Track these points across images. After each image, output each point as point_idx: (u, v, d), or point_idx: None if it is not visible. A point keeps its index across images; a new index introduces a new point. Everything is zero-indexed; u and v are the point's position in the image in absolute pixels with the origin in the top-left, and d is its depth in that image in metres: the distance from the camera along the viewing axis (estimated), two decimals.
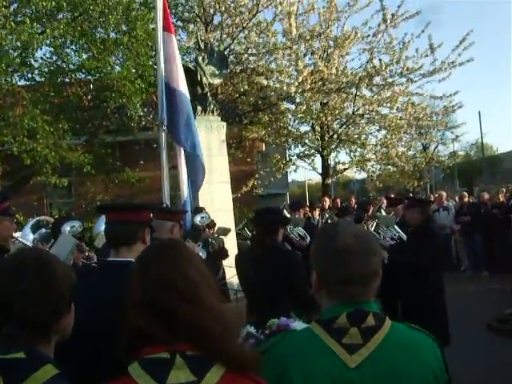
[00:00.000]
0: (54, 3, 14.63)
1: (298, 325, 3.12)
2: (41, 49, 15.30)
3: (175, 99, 10.08)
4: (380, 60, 20.82)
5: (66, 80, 16.99)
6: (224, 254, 9.74)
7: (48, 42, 15.02)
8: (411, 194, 21.75)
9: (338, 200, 18.70)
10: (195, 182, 10.47)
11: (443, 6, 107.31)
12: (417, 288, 6.93)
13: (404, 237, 8.42)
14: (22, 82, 16.60)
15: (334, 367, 2.18)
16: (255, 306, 5.77)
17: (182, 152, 10.31)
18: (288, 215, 11.48)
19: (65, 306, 2.24)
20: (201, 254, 7.54)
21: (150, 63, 16.20)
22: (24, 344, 2.09)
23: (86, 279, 3.70)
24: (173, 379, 1.95)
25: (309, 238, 10.69)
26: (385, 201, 14.07)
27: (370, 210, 11.84)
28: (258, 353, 2.28)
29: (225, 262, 9.62)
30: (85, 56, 16.28)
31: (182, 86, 10.22)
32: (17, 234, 5.12)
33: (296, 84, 18.99)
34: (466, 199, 18.08)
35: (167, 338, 2.00)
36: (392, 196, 16.93)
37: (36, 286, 2.14)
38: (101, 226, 7.09)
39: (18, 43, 14.21)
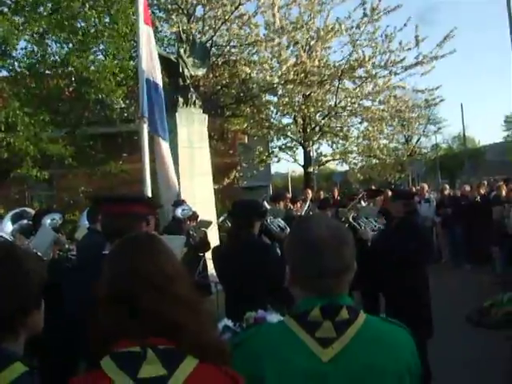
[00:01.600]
0: None
1: (275, 317, 3.13)
2: (21, 41, 15.21)
3: (154, 91, 10.12)
4: (363, 52, 20.85)
5: (47, 72, 16.88)
6: (206, 246, 9.74)
7: (28, 35, 14.91)
8: (393, 187, 21.81)
9: (322, 192, 18.71)
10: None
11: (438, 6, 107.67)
12: (401, 278, 6.94)
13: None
14: (2, 73, 16.52)
15: (307, 361, 2.18)
16: (234, 299, 5.77)
17: (163, 144, 10.30)
18: (268, 207, 11.48)
19: (32, 302, 2.20)
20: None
21: (131, 55, 16.17)
22: None
23: (83, 272, 3.67)
24: (144, 373, 1.95)
25: (288, 230, 10.69)
26: (364, 193, 14.12)
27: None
28: (229, 346, 2.28)
29: (206, 255, 9.61)
30: (66, 48, 16.21)
31: (159, 78, 10.28)
32: None
33: (279, 74, 18.99)
34: (446, 191, 18.16)
35: (139, 332, 2.00)
36: (372, 188, 17.06)
37: (3, 280, 2.11)
38: (85, 219, 7.07)
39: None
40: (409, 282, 6.95)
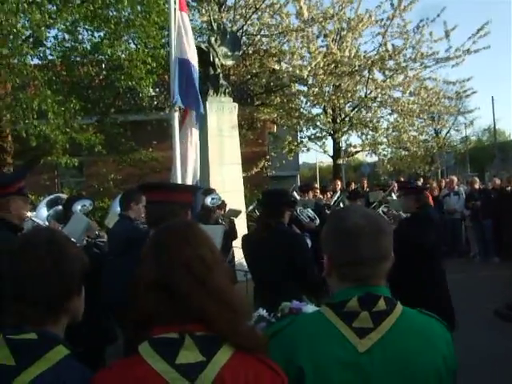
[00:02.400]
0: None
1: (311, 308, 3.13)
2: (53, 29, 15.32)
3: (189, 70, 10.18)
4: (393, 45, 20.73)
5: (78, 59, 16.98)
6: (233, 234, 9.76)
7: (60, 24, 14.99)
8: (422, 179, 21.67)
9: (353, 183, 18.66)
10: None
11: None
12: (420, 271, 6.87)
13: None
14: (34, 61, 16.62)
15: (343, 351, 2.18)
16: (262, 287, 5.79)
17: (194, 131, 10.35)
18: (298, 197, 11.47)
19: (75, 287, 2.24)
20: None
21: (162, 43, 16.20)
22: (34, 323, 2.10)
23: (122, 258, 3.69)
24: (182, 359, 1.97)
25: (318, 220, 10.67)
26: (396, 185, 14.04)
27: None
28: (265, 335, 2.29)
29: (234, 243, 9.64)
30: (97, 35, 16.28)
31: (195, 61, 10.35)
32: (29, 214, 5.13)
33: (309, 68, 18.92)
34: (476, 185, 17.99)
35: (177, 318, 2.01)
36: (403, 180, 16.94)
37: (46, 265, 2.13)
38: (117, 206, 7.11)
39: (30, 25, 14.18)
40: (427, 274, 6.89)
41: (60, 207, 6.72)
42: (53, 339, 2.11)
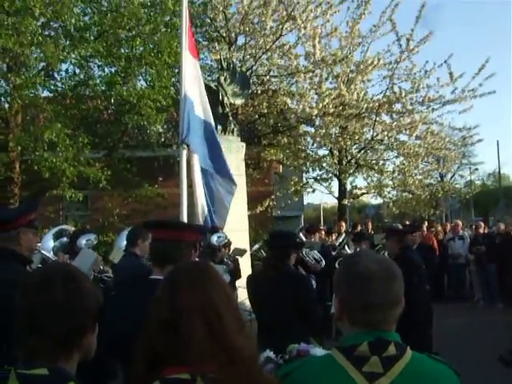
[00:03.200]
0: (82, 21, 14.89)
1: (318, 351, 3.12)
2: (65, 63, 15.52)
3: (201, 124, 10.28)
4: (400, 87, 20.88)
5: (87, 93, 17.15)
6: (237, 273, 9.75)
7: (73, 58, 15.18)
8: (426, 222, 21.66)
9: (359, 225, 18.65)
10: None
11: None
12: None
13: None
14: (45, 93, 16.80)
15: None
16: (266, 328, 5.78)
17: (199, 168, 10.36)
18: (304, 238, 11.48)
19: (90, 323, 2.25)
20: (224, 278, 7.57)
21: (172, 82, 16.35)
22: (46, 358, 2.10)
23: (127, 295, 3.71)
24: None
25: (324, 262, 10.67)
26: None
27: None
28: (276, 378, 2.29)
29: (238, 283, 9.61)
30: (107, 71, 16.48)
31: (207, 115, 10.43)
32: (38, 245, 5.17)
33: (319, 107, 19.04)
34: (481, 229, 17.96)
35: (189, 359, 2.02)
36: (407, 223, 16.96)
37: (62, 300, 2.14)
38: (122, 241, 7.13)
39: (43, 58, 14.38)
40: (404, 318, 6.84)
41: (65, 239, 6.76)
42: (64, 376, 2.11)
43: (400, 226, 15.69)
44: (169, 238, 3.75)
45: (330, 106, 19.36)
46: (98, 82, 16.47)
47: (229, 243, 10.12)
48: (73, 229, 7.52)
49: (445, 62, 20.78)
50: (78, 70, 16.25)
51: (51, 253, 6.21)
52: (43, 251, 5.63)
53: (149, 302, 3.38)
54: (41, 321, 2.13)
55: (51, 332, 2.12)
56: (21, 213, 4.50)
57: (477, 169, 33.37)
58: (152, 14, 16.06)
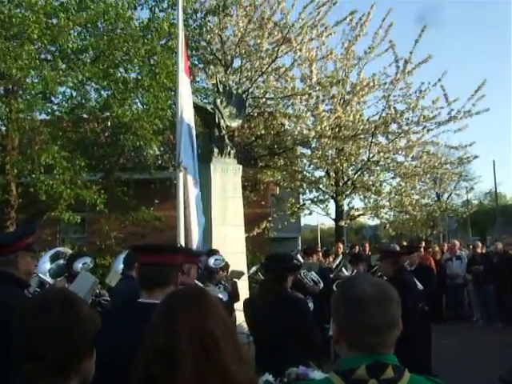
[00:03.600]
0: (78, 44, 14.98)
1: (317, 374, 3.13)
2: (62, 86, 15.59)
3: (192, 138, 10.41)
4: (394, 108, 20.95)
5: (84, 116, 17.21)
6: (235, 297, 9.72)
7: (70, 81, 15.25)
8: (424, 242, 21.68)
9: (357, 247, 18.64)
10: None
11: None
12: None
13: (420, 286, 8.43)
14: (42, 116, 16.86)
15: None
16: (265, 352, 5.77)
17: (192, 192, 10.41)
18: (302, 260, 11.48)
19: (88, 348, 2.24)
20: (221, 296, 7.57)
21: (168, 104, 16.41)
22: (44, 383, 2.10)
23: (115, 318, 3.71)
24: None
25: (322, 284, 10.66)
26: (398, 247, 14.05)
27: None
28: None
29: (236, 305, 9.58)
30: (104, 93, 16.55)
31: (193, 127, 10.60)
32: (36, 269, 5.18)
33: (317, 129, 19.10)
34: (478, 249, 17.97)
35: None
36: (405, 244, 16.95)
37: (60, 325, 2.15)
38: (119, 264, 7.14)
39: (41, 82, 14.44)
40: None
41: (61, 261, 6.76)
42: None
43: (397, 247, 15.70)
44: (154, 262, 3.77)
45: (327, 128, 19.41)
46: (94, 104, 16.54)
47: (227, 266, 10.10)
48: (69, 251, 7.52)
49: (439, 80, 20.89)
50: (74, 93, 16.31)
51: (47, 275, 6.21)
52: (41, 274, 5.62)
53: (135, 325, 3.39)
54: (39, 346, 2.13)
55: (49, 357, 2.12)
56: (19, 237, 4.50)
57: (472, 188, 33.27)
58: (148, 36, 16.15)
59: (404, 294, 7.06)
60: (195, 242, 10.35)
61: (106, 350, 2.45)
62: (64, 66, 15.37)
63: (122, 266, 7.10)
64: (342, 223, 23.30)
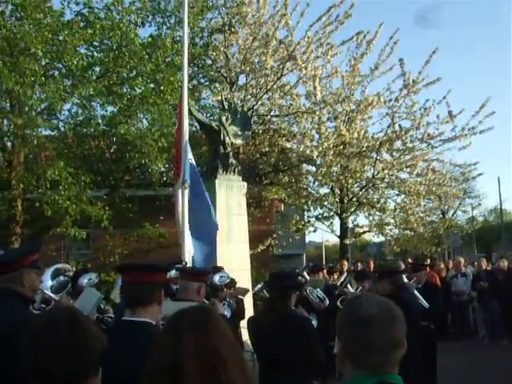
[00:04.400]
0: (84, 61, 15.06)
1: None
2: (67, 103, 15.67)
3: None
4: (400, 126, 20.95)
5: (90, 132, 17.29)
6: (241, 314, 9.71)
7: (75, 98, 15.34)
8: (429, 260, 21.57)
9: (359, 264, 18.59)
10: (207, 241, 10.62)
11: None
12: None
13: (425, 304, 8.42)
14: (47, 132, 16.93)
15: None
16: (268, 370, 5.75)
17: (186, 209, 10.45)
18: (307, 277, 11.46)
19: (93, 367, 2.25)
20: (226, 313, 7.56)
21: (173, 122, 16.48)
22: None
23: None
24: None
25: (327, 301, 10.64)
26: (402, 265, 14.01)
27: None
28: None
29: (242, 323, 9.57)
30: (110, 110, 16.65)
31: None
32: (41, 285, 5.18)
33: (320, 149, 19.10)
34: (483, 265, 17.89)
35: None
36: (411, 261, 16.89)
37: (67, 344, 2.15)
38: (48, 281, 7.09)
39: (47, 100, 14.53)
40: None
41: (62, 278, 6.75)
42: None
43: (402, 264, 15.67)
44: (136, 281, 3.82)
45: (331, 146, 19.41)
46: (99, 121, 16.61)
47: (234, 283, 10.09)
48: (68, 266, 7.51)
49: (444, 98, 20.89)
50: (80, 110, 16.39)
51: (49, 291, 6.21)
52: (46, 291, 5.63)
53: (119, 343, 3.40)
54: (45, 363, 2.13)
55: (55, 374, 2.13)
56: (24, 253, 4.51)
57: (479, 204, 33.00)
58: (153, 53, 16.24)
59: (405, 312, 7.07)
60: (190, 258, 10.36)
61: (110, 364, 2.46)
62: (69, 82, 15.46)
63: (50, 282, 7.03)
64: (347, 241, 23.25)
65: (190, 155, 10.70)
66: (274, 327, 5.68)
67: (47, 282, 6.35)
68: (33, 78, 13.88)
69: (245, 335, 8.99)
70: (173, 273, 9.24)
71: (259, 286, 11.90)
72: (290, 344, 5.56)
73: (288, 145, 20.13)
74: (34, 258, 4.46)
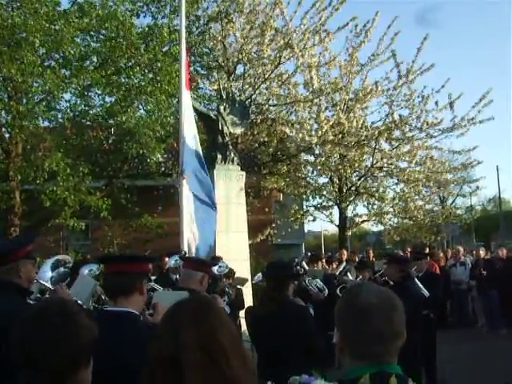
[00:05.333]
0: (81, 51, 15.02)
1: (321, 383, 3.10)
2: (66, 93, 15.64)
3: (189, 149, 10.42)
4: (400, 116, 20.88)
5: (88, 123, 17.25)
6: (241, 304, 9.70)
7: (73, 88, 15.31)
8: (428, 248, 21.56)
9: (358, 254, 18.59)
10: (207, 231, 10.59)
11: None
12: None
13: (426, 293, 8.43)
14: (45, 123, 16.89)
15: None
16: (267, 360, 5.74)
17: (192, 199, 10.41)
18: (307, 267, 11.45)
19: (84, 358, 2.23)
20: (225, 310, 7.55)
21: (171, 112, 16.44)
22: None
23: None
24: None
25: (326, 291, 10.63)
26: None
27: None
28: None
29: (241, 313, 9.56)
30: (108, 100, 16.62)
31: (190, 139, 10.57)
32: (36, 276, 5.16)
33: (318, 135, 19.05)
34: (482, 253, 17.86)
35: None
36: (410, 250, 16.87)
37: (58, 333, 2.14)
38: (47, 272, 7.05)
39: (46, 87, 14.49)
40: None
41: (62, 269, 6.72)
42: None
43: (401, 253, 15.66)
44: (116, 271, 3.82)
45: (330, 134, 19.36)
46: (98, 110, 16.59)
47: (232, 273, 10.08)
48: (69, 258, 7.49)
49: (442, 86, 20.82)
50: (78, 101, 16.36)
51: (49, 283, 6.19)
52: (41, 281, 5.61)
53: (103, 333, 3.38)
54: (36, 353, 2.11)
55: (46, 365, 2.11)
56: (20, 245, 4.50)
57: (477, 188, 32.53)
58: (150, 43, 16.21)
59: (405, 301, 7.07)
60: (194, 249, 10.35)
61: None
62: (68, 72, 15.43)
63: (49, 274, 7.00)
64: (347, 232, 23.25)
65: (193, 143, 10.65)
66: (272, 317, 5.67)
67: (47, 273, 6.32)
68: (31, 68, 13.83)
69: (243, 325, 9.01)
70: (172, 263, 9.26)
71: (259, 275, 11.91)
72: (287, 333, 5.55)
73: (287, 131, 20.04)
74: (28, 249, 4.45)
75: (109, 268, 3.96)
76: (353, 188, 22.33)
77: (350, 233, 24.54)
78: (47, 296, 5.50)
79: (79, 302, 5.01)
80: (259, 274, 11.85)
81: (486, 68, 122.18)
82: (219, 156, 13.19)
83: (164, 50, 16.68)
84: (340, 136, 20.14)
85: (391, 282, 7.96)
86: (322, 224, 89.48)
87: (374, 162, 21.35)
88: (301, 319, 5.76)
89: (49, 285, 5.78)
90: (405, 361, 6.33)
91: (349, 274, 12.08)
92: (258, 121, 20.91)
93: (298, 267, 10.89)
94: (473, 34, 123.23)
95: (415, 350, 7.15)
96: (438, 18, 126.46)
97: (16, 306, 3.83)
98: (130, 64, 16.10)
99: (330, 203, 23.27)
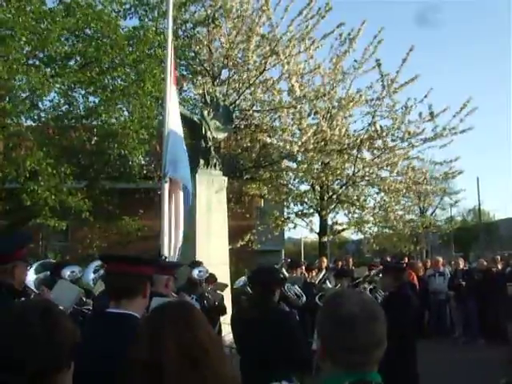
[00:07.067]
0: (66, 49, 14.96)
1: None
2: (50, 92, 15.55)
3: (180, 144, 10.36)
4: (381, 126, 20.94)
5: (71, 123, 17.17)
6: (223, 310, 9.68)
7: (57, 88, 15.24)
8: (407, 258, 21.66)
9: (340, 262, 18.61)
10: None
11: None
12: (390, 350, 6.82)
13: None
14: (28, 123, 16.80)
15: None
16: (249, 365, 5.72)
17: (181, 203, 10.36)
18: (286, 274, 11.46)
19: (65, 360, 2.21)
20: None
21: (155, 114, 16.41)
22: None
23: (84, 329, 3.68)
24: None
25: (304, 298, 10.64)
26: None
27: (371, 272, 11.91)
28: None
29: (223, 319, 9.55)
30: (91, 100, 16.56)
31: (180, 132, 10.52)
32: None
33: (299, 143, 19.10)
34: (460, 264, 17.96)
35: None
36: (388, 259, 16.96)
37: (38, 336, 2.11)
38: (90, 274, 7.02)
39: (28, 86, 14.42)
40: (400, 355, 6.82)
41: (48, 272, 6.68)
42: None
43: (380, 262, 15.71)
44: (120, 272, 3.71)
45: (311, 141, 19.41)
46: (81, 110, 16.54)
47: (214, 278, 10.05)
48: (53, 261, 7.46)
49: (425, 96, 20.94)
50: (62, 100, 16.29)
51: (33, 285, 6.16)
52: (27, 283, 5.59)
53: (103, 335, 3.36)
54: (15, 355, 2.09)
55: (25, 367, 2.08)
56: (19, 246, 4.47)
57: (456, 201, 32.72)
58: (135, 44, 16.18)
59: (407, 308, 7.09)
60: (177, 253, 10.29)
61: (79, 361, 2.42)
62: (52, 71, 15.37)
63: (92, 276, 6.97)
64: (326, 239, 23.27)
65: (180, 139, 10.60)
66: (259, 323, 5.65)
67: (30, 275, 6.30)
68: (15, 66, 13.76)
69: (226, 330, 8.98)
70: None
71: (241, 280, 11.89)
72: (273, 339, 5.53)
73: (269, 140, 20.07)
74: (25, 251, 4.44)
75: (111, 268, 3.87)
76: (334, 196, 22.39)
77: (326, 239, 24.51)
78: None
79: (60, 307, 4.99)
80: (241, 279, 11.84)
81: (469, 76, 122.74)
82: (202, 161, 13.17)
83: (149, 51, 16.64)
84: (322, 143, 20.18)
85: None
86: (301, 231, 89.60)
87: (356, 170, 21.41)
88: (288, 325, 5.74)
89: (32, 287, 5.76)
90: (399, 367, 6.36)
91: (327, 281, 12.10)
92: (242, 126, 20.92)
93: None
94: (458, 43, 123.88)
95: (409, 357, 7.19)
96: (431, 20, 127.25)
97: (2, 307, 3.81)
98: (114, 65, 16.04)
99: (311, 210, 23.32)
